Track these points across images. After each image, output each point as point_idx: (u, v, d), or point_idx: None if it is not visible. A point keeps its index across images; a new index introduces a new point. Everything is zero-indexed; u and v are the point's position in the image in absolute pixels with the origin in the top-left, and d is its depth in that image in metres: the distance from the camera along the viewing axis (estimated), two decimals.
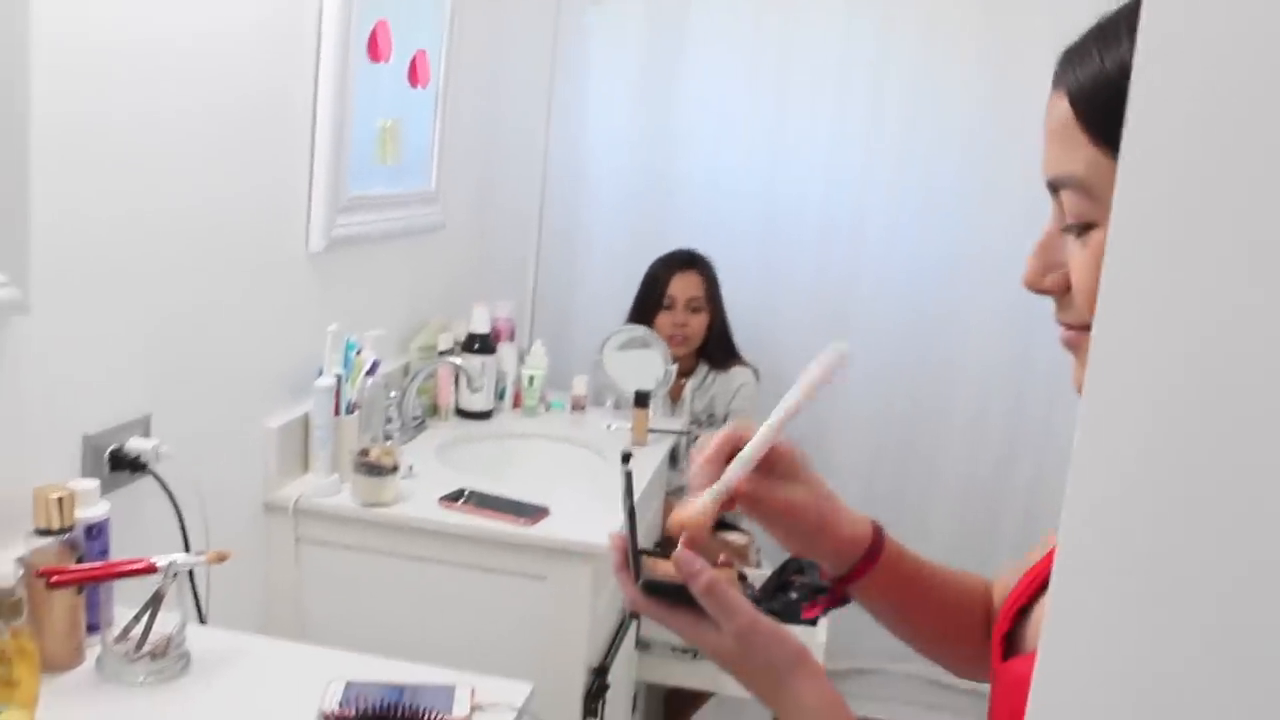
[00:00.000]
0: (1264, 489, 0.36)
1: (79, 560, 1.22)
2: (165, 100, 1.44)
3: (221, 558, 1.30)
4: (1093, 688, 0.40)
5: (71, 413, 1.34)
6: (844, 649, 2.65)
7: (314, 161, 1.86)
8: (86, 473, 1.35)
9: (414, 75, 2.22)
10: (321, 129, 1.85)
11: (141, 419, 1.46)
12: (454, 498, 1.86)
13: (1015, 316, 2.77)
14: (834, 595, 0.90)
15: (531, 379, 2.53)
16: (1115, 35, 0.60)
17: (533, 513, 1.83)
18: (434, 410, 2.40)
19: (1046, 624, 0.40)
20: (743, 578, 0.86)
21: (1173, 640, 0.38)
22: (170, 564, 1.24)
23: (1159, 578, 0.38)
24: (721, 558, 0.84)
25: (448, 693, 1.25)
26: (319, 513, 1.82)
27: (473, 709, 1.23)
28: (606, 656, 1.92)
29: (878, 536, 0.88)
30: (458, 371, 2.34)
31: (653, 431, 2.42)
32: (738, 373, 2.77)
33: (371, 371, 1.96)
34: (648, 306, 2.74)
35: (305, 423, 1.88)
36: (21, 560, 1.17)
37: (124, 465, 1.40)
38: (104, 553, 1.29)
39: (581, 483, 2.23)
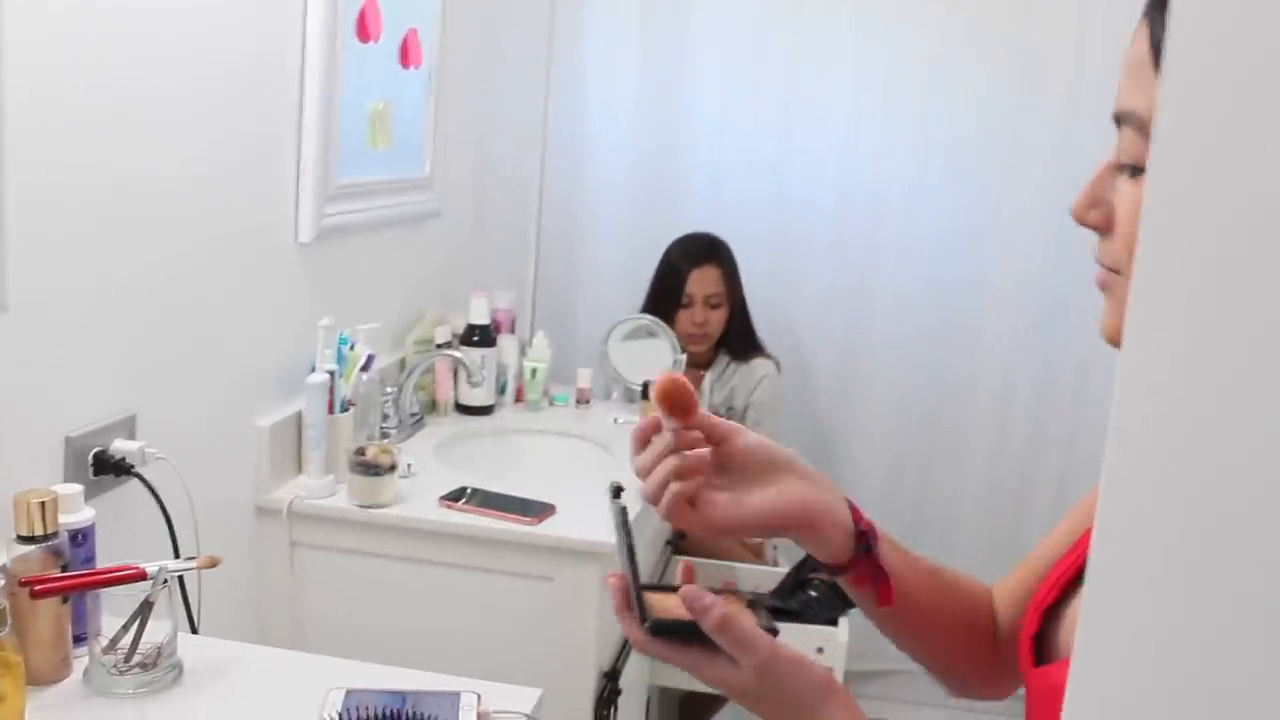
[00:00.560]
0: None
1: (64, 568, 1.22)
2: (144, 87, 1.43)
3: (213, 563, 1.30)
4: (1131, 698, 0.38)
5: (52, 414, 1.34)
6: (867, 650, 2.65)
7: (301, 147, 1.86)
8: (69, 477, 1.35)
9: (405, 55, 2.21)
10: (309, 113, 1.85)
11: (126, 420, 1.45)
12: (455, 497, 1.86)
13: (1040, 283, 2.80)
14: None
15: (534, 372, 2.52)
16: None
17: (538, 511, 1.82)
18: (432, 406, 2.39)
19: (1081, 629, 0.39)
20: (752, 604, 0.84)
21: (1218, 647, 0.36)
22: (159, 570, 1.24)
23: (1207, 578, 0.36)
24: (725, 582, 0.82)
25: (453, 700, 1.25)
26: (314, 515, 1.82)
27: (479, 716, 1.23)
28: (618, 660, 1.92)
29: (867, 528, 0.84)
30: (456, 365, 2.34)
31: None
32: (759, 364, 2.78)
33: (366, 367, 1.96)
34: (666, 302, 2.75)
35: (298, 421, 1.88)
36: (3, 569, 1.17)
37: (109, 468, 1.40)
38: (90, 560, 1.29)
39: (588, 479, 2.21)
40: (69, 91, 1.30)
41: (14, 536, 1.19)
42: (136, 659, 1.22)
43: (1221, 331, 0.35)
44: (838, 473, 3.00)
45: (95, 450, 1.39)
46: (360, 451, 1.82)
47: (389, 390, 2.13)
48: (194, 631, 1.48)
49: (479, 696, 1.26)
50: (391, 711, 1.20)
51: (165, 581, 1.24)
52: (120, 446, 1.41)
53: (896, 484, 2.99)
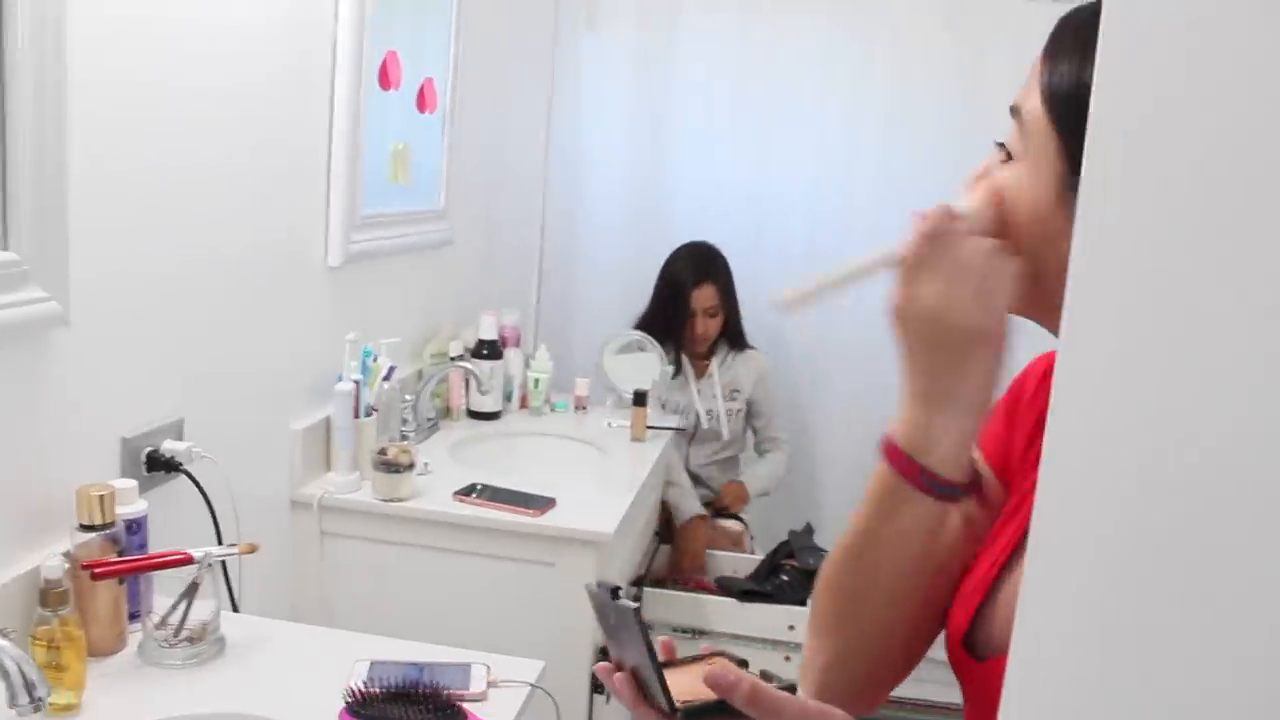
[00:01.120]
0: (1249, 479, 0.33)
1: (120, 553, 1.23)
2: (196, 131, 1.44)
3: (252, 549, 1.31)
4: (1068, 689, 0.36)
5: (110, 417, 1.35)
6: None
7: (330, 182, 1.87)
8: (125, 473, 1.36)
9: (422, 102, 2.23)
10: (337, 153, 1.86)
11: (175, 423, 1.46)
12: (466, 492, 1.87)
13: None
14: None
15: (537, 381, 2.53)
16: (1091, 41, 0.62)
17: (540, 504, 1.83)
18: (446, 412, 2.40)
19: (1018, 628, 0.37)
20: (788, 687, 0.76)
21: (1150, 642, 0.35)
22: (205, 555, 1.25)
23: (1139, 573, 0.35)
24: (705, 648, 0.77)
25: (465, 670, 1.26)
26: (341, 508, 1.83)
27: (489, 685, 1.24)
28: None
29: None
30: (468, 375, 2.35)
31: (651, 428, 2.43)
32: (753, 355, 2.87)
33: (388, 377, 1.97)
34: (670, 314, 2.78)
35: (327, 424, 1.89)
36: (67, 554, 1.18)
37: (160, 465, 1.41)
38: (143, 546, 1.30)
39: (585, 476, 2.24)
40: (130, 142, 1.31)
41: (77, 525, 1.20)
42: (184, 634, 1.23)
43: (1156, 330, 0.34)
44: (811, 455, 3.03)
45: (148, 449, 1.40)
46: (382, 452, 1.83)
47: (408, 397, 2.14)
48: (235, 610, 1.49)
49: (488, 667, 1.27)
50: (411, 680, 1.21)
51: (210, 566, 1.25)
52: (170, 446, 1.42)
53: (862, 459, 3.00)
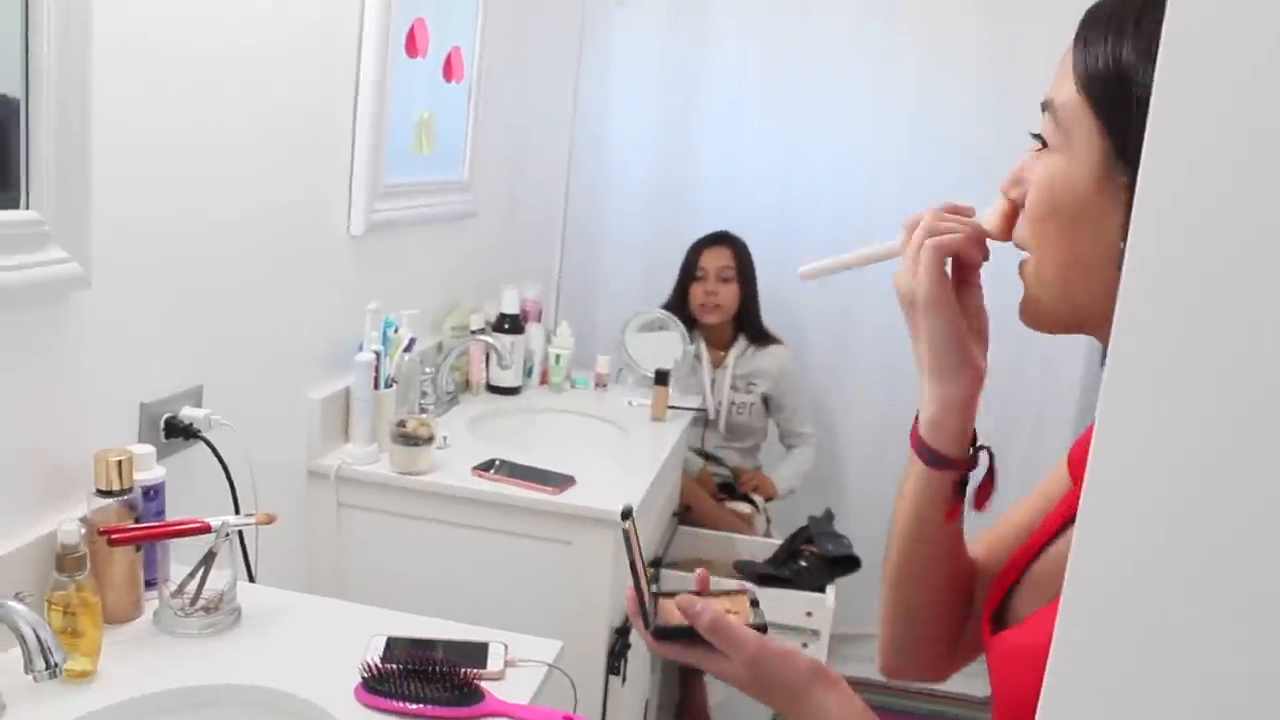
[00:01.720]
0: None
1: (137, 520, 1.22)
2: (221, 96, 1.43)
3: (269, 519, 1.30)
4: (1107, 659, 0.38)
5: (129, 383, 1.34)
6: (852, 614, 2.64)
7: (355, 151, 1.85)
8: (143, 439, 1.35)
9: (449, 70, 2.21)
10: (362, 119, 1.84)
11: (194, 389, 1.45)
12: (485, 467, 1.86)
13: (1012, 274, 2.77)
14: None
15: (558, 357, 2.52)
16: (1124, 21, 0.63)
17: (559, 481, 1.82)
18: (466, 385, 2.39)
19: (1065, 596, 0.39)
20: (755, 603, 0.87)
21: (1193, 614, 0.36)
22: (222, 524, 1.24)
23: (1181, 554, 0.36)
24: (736, 586, 0.85)
25: (482, 649, 1.25)
26: (359, 480, 1.82)
27: (507, 664, 1.23)
28: (628, 618, 1.92)
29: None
30: (489, 349, 2.34)
31: (672, 408, 2.41)
32: (776, 350, 2.82)
33: (408, 348, 1.96)
34: (683, 282, 2.77)
35: (346, 395, 1.88)
36: (84, 519, 1.17)
37: (178, 432, 1.40)
38: (160, 513, 1.29)
39: (605, 454, 2.22)
40: (153, 103, 1.30)
41: (94, 490, 1.20)
42: (200, 603, 1.23)
43: (1207, 330, 0.35)
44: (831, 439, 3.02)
45: (166, 416, 1.39)
46: (401, 424, 1.82)
47: (428, 370, 2.13)
48: (251, 580, 1.48)
49: (506, 646, 1.26)
50: (428, 658, 1.20)
51: (227, 535, 1.24)
52: (188, 413, 1.42)
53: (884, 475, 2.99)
